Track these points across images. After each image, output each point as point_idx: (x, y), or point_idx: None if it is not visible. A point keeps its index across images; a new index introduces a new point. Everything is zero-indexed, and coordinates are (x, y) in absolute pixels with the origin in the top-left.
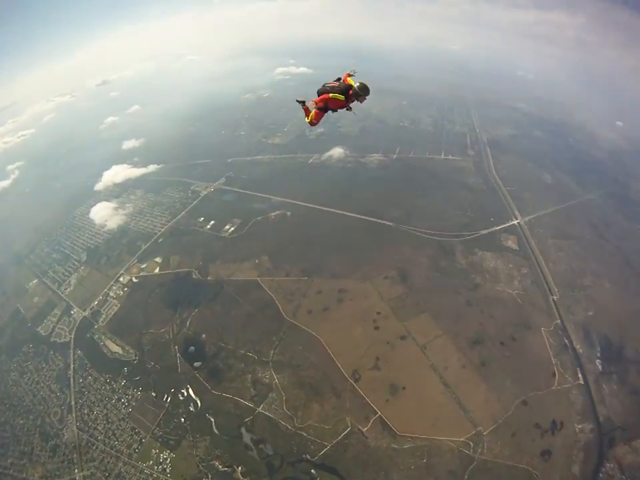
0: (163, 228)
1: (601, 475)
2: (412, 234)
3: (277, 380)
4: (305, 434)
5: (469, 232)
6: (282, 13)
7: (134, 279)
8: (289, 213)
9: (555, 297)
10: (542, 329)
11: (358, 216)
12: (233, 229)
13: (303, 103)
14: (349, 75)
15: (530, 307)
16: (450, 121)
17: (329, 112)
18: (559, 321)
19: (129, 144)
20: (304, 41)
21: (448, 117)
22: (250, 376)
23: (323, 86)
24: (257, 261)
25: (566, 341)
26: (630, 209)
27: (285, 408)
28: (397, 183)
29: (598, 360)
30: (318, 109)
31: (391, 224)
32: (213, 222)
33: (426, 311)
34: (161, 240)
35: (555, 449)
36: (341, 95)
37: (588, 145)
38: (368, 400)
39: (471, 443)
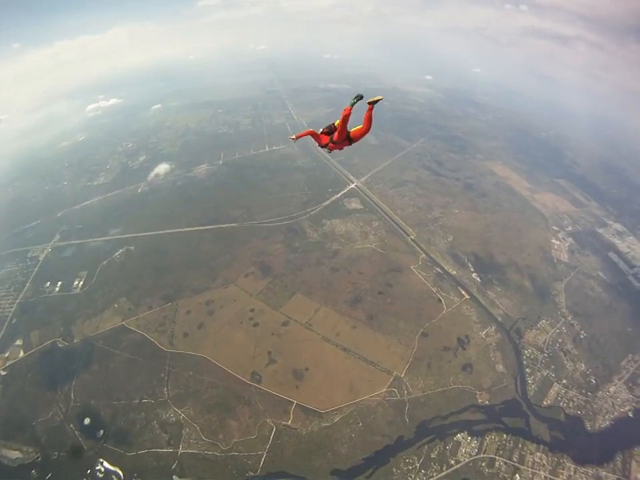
0: (12, 307)
1: (524, 361)
2: (258, 227)
3: (183, 414)
4: (236, 453)
5: (312, 207)
6: (82, 50)
7: (2, 372)
8: (132, 248)
9: (412, 237)
10: (411, 267)
11: (200, 228)
12: (82, 282)
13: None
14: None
15: (393, 252)
16: (267, 115)
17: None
18: (424, 255)
19: None
20: (110, 75)
21: (265, 113)
22: (155, 422)
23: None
24: (115, 305)
25: (437, 269)
26: (455, 144)
27: (204, 437)
28: (230, 186)
29: (474, 274)
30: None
31: (235, 225)
32: (60, 283)
33: (296, 291)
34: (14, 320)
35: (472, 360)
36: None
37: (402, 103)
38: (278, 394)
39: (394, 390)
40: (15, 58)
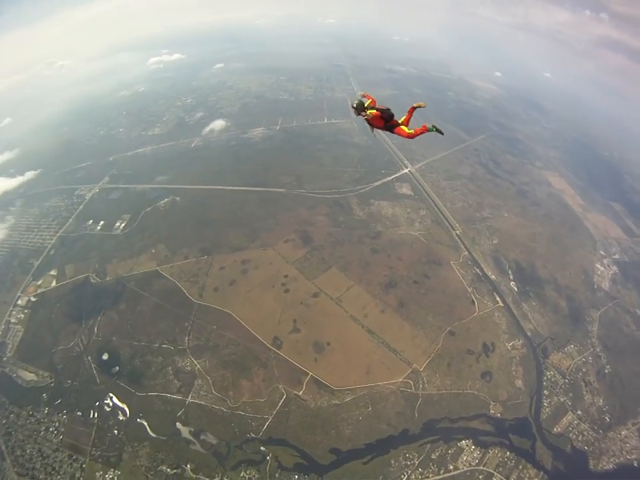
0: (52, 239)
1: (544, 383)
2: (305, 196)
3: (198, 366)
4: (242, 413)
5: (362, 185)
6: (150, 4)
7: (32, 299)
8: (177, 198)
9: (457, 232)
10: (451, 262)
11: (248, 188)
12: (123, 224)
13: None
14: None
15: (435, 244)
16: (329, 88)
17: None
18: (466, 253)
19: (2, 157)
20: (176, 31)
21: (327, 86)
22: (170, 368)
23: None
24: (153, 250)
25: (477, 270)
26: (515, 146)
27: (214, 391)
28: (283, 152)
29: (512, 282)
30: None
31: (282, 190)
32: (102, 222)
33: (333, 265)
34: (52, 252)
35: (493, 369)
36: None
37: (468, 96)
38: (296, 363)
39: (410, 382)
40: (82, 6)
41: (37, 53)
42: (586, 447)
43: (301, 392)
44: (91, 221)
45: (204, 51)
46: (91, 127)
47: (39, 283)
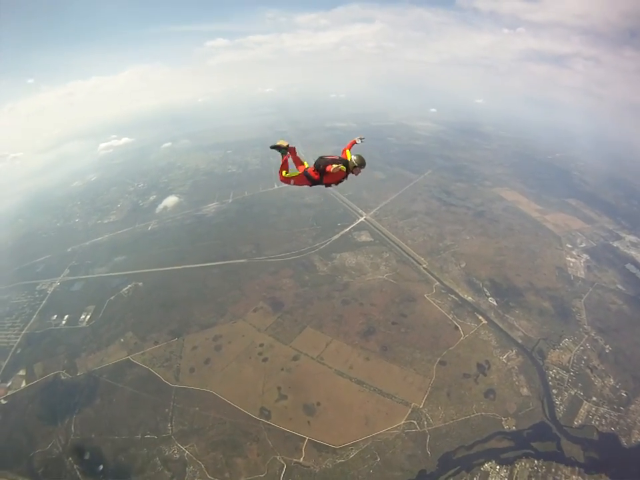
0: (18, 338)
1: (550, 382)
2: (267, 262)
3: (187, 451)
4: None
5: (321, 242)
6: (94, 91)
7: (3, 402)
8: (140, 284)
9: (424, 266)
10: (425, 295)
11: (209, 264)
12: (88, 316)
13: (283, 150)
14: (354, 143)
15: (405, 282)
16: (276, 155)
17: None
18: (437, 283)
19: None
20: (121, 116)
21: (273, 153)
22: (158, 458)
23: (321, 157)
24: (121, 340)
25: (452, 296)
26: (463, 173)
27: (209, 476)
28: (239, 223)
29: (490, 298)
30: (308, 177)
31: (243, 261)
32: (67, 316)
33: (307, 325)
34: (19, 351)
35: (495, 385)
36: (344, 166)
37: (408, 138)
38: (289, 430)
39: (414, 421)
40: (29, 94)
41: None
42: (612, 428)
43: (301, 458)
44: (55, 315)
45: (150, 133)
46: (47, 219)
47: (9, 384)
